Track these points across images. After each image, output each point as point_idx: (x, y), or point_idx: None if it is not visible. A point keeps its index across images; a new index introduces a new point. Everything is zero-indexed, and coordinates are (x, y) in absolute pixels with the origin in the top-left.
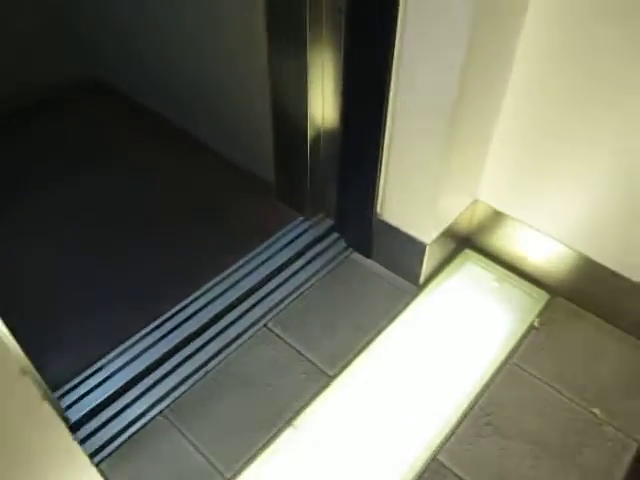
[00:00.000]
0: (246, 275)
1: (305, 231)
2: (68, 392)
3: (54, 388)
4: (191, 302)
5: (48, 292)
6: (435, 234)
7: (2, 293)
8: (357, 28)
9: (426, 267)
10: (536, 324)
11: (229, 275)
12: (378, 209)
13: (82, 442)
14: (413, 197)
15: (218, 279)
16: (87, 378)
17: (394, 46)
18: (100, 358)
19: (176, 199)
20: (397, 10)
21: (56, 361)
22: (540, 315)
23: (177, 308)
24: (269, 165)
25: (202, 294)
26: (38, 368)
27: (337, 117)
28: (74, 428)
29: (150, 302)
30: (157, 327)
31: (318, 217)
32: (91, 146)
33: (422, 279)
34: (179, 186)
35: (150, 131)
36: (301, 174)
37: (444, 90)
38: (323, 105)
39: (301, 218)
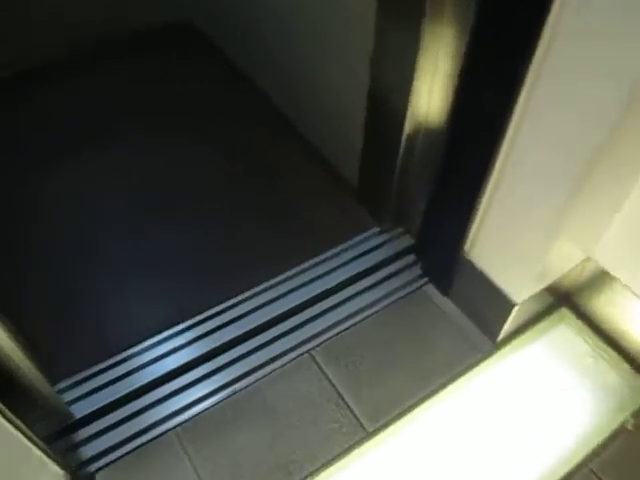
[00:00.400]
0: (302, 285)
1: (380, 245)
2: (78, 383)
3: (64, 376)
4: (234, 305)
5: (87, 264)
6: (530, 294)
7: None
8: (490, 21)
9: (510, 325)
10: (629, 426)
11: (283, 281)
12: (467, 246)
13: (82, 444)
14: (514, 246)
15: (269, 284)
16: (102, 372)
17: (534, 52)
18: (122, 350)
19: (249, 182)
20: (548, 11)
21: (75, 347)
22: (637, 415)
23: (217, 309)
24: (355, 162)
25: (248, 298)
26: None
27: (443, 122)
28: (77, 425)
29: (189, 297)
30: (189, 328)
31: (397, 231)
32: (174, 102)
33: (502, 336)
34: (255, 168)
35: (240, 99)
36: (387, 178)
37: (590, 130)
38: (429, 103)
39: (378, 229)
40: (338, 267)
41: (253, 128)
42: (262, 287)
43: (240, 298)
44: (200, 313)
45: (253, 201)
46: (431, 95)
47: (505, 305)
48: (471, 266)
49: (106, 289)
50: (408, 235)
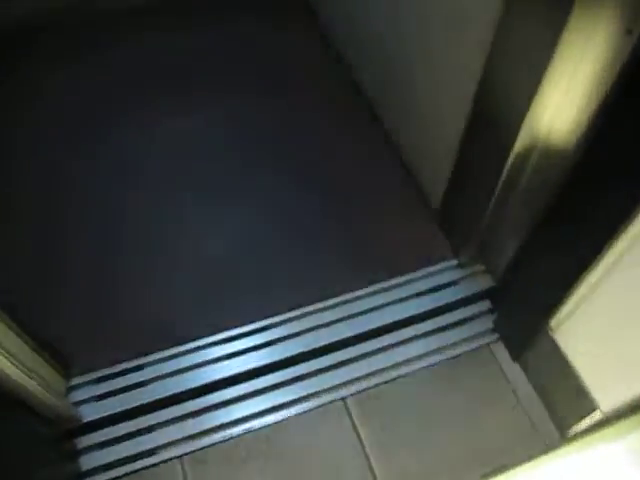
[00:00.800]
0: (351, 316)
1: (454, 282)
2: (96, 382)
3: (84, 370)
4: (269, 327)
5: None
6: (620, 402)
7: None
8: None
9: (587, 422)
10: None
11: (326, 309)
12: (554, 320)
13: (83, 452)
14: (614, 347)
15: (311, 309)
16: (121, 374)
17: None
18: (153, 352)
19: (317, 174)
20: None
21: (106, 340)
22: None
23: (251, 328)
24: (443, 177)
25: (285, 322)
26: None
27: (569, 148)
28: (82, 431)
29: (219, 308)
30: (216, 343)
31: (476, 268)
32: (259, 67)
33: (574, 431)
34: (325, 154)
35: (325, 75)
36: (480, 203)
37: None
38: (555, 118)
39: (455, 262)
40: (399, 301)
41: (331, 109)
42: (302, 311)
43: (276, 320)
44: (232, 329)
45: (312, 194)
46: (561, 108)
47: (587, 405)
48: (554, 346)
49: (152, 282)
50: (489, 276)
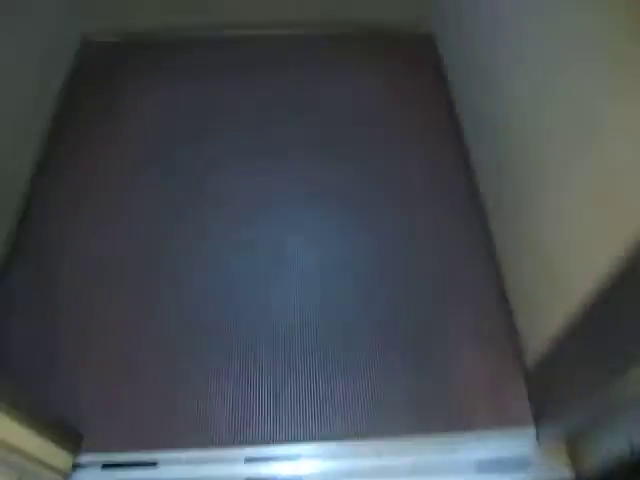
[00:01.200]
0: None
1: (523, 462)
2: (102, 467)
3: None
4: (303, 456)
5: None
6: None
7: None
8: None
9: None
10: None
11: (369, 454)
12: None
13: None
14: None
15: (349, 446)
16: (132, 465)
17: None
18: (164, 449)
19: (401, 287)
20: None
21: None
22: None
23: (285, 451)
24: (546, 334)
25: (320, 455)
26: None
27: None
28: None
29: (260, 420)
30: (241, 460)
31: (557, 449)
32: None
33: None
34: (422, 269)
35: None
36: (586, 387)
37: None
38: None
39: (534, 431)
40: (455, 469)
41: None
42: (343, 446)
43: (311, 450)
44: (265, 445)
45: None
46: None
47: None
48: None
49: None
50: (571, 469)
